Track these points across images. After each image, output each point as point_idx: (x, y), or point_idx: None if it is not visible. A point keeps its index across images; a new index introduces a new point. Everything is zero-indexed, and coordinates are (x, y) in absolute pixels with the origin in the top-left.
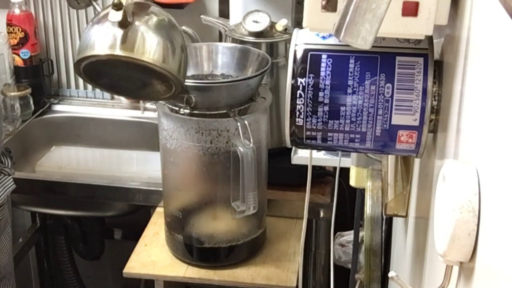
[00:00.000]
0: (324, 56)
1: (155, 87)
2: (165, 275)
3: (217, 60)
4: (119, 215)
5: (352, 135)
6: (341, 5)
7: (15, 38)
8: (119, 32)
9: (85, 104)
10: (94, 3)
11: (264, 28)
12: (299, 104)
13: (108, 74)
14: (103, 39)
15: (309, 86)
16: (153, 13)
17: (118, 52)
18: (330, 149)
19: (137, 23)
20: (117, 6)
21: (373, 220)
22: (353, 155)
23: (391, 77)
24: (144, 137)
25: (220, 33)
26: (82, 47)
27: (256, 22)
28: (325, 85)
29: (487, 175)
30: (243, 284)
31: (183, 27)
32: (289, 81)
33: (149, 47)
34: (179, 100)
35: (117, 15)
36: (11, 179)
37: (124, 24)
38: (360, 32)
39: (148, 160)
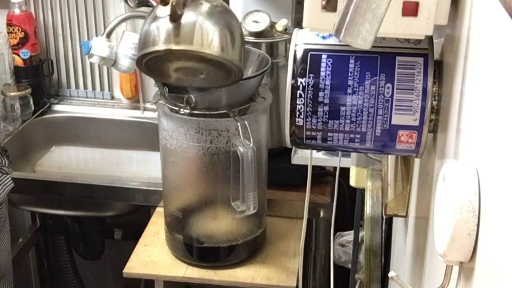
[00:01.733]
0: (324, 56)
1: (214, 74)
2: (165, 275)
3: None
4: (119, 215)
5: (352, 135)
6: (341, 5)
7: (15, 38)
8: (173, 26)
9: (85, 104)
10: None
11: (264, 28)
12: (299, 104)
13: (168, 66)
14: (160, 35)
15: (309, 86)
16: (204, 0)
17: (174, 46)
18: (330, 149)
19: (190, 13)
20: (164, 1)
21: (373, 220)
22: (353, 155)
23: (391, 77)
24: (144, 137)
25: None
26: (141, 44)
27: (256, 22)
28: (325, 85)
29: (487, 175)
30: (243, 284)
31: None
32: (289, 81)
33: (206, 37)
34: (179, 100)
35: (165, 10)
36: (10, 178)
37: (175, 17)
38: (360, 32)
39: (148, 160)
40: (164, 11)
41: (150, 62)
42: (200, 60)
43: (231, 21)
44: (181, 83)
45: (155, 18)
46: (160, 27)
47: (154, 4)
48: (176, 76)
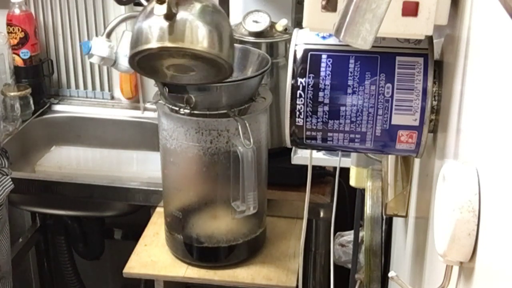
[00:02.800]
0: (324, 56)
1: (205, 71)
2: (165, 275)
3: None
4: (119, 215)
5: (352, 135)
6: (341, 5)
7: (15, 38)
8: (166, 24)
9: (85, 104)
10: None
11: (264, 28)
12: (299, 104)
13: (160, 64)
14: (153, 33)
15: (309, 86)
16: (196, 1)
17: (168, 43)
18: (330, 149)
19: (182, 12)
20: (161, 0)
21: (373, 220)
22: (353, 155)
23: (391, 77)
24: (144, 137)
25: None
26: (134, 42)
27: (256, 22)
28: (325, 85)
29: (487, 175)
30: (243, 284)
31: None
32: (289, 81)
33: (197, 35)
34: (179, 100)
35: (162, 9)
36: (9, 179)
37: (169, 16)
38: (360, 32)
39: (148, 160)
40: (160, 10)
41: (142, 60)
42: (192, 57)
43: (222, 21)
44: (174, 80)
45: (147, 16)
46: (153, 25)
47: (145, 3)
48: (168, 74)
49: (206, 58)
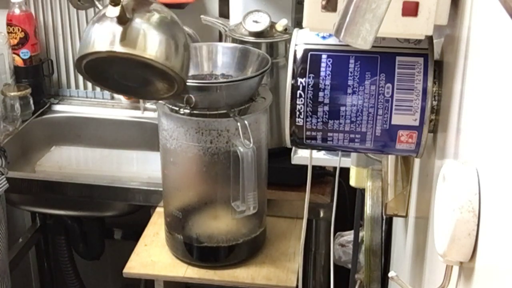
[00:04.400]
0: (324, 56)
1: (156, 85)
2: (165, 275)
3: (217, 60)
4: (119, 215)
5: (352, 135)
6: (341, 5)
7: (15, 38)
8: (119, 28)
9: (85, 104)
10: (96, 3)
11: (264, 28)
12: (299, 104)
13: (110, 72)
14: (103, 36)
15: (309, 86)
16: (154, 10)
17: (118, 48)
18: (330, 149)
19: (137, 19)
20: (115, 2)
21: (373, 220)
22: (353, 155)
23: (391, 77)
24: (144, 137)
25: (220, 33)
26: (82, 45)
27: (256, 22)
28: (325, 85)
29: (487, 175)
30: (243, 284)
31: (183, 27)
32: (289, 81)
33: (151, 43)
34: (179, 100)
35: (115, 11)
36: (4, 178)
37: (122, 20)
38: (360, 32)
39: (148, 160)
40: (112, 12)
41: (90, 65)
42: (143, 67)
43: (177, 32)
44: (123, 92)
45: (100, 19)
46: (105, 29)
47: (100, 7)
48: (118, 84)
49: (158, 69)
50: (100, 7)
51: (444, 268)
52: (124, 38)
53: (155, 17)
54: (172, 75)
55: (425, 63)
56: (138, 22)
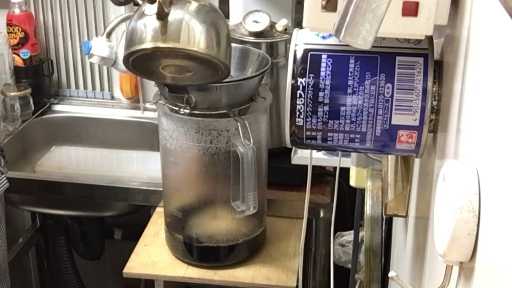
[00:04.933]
0: (324, 56)
1: (200, 73)
2: (165, 275)
3: None
4: (119, 215)
5: (352, 135)
6: (341, 5)
7: (15, 38)
8: (160, 24)
9: (85, 104)
10: None
11: (264, 28)
12: (299, 104)
13: (156, 64)
14: (147, 33)
15: (309, 86)
16: (192, 0)
17: (162, 43)
18: (330, 149)
19: (177, 11)
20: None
21: (373, 220)
22: (353, 155)
23: (391, 77)
24: (144, 137)
25: None
26: (128, 42)
27: (256, 22)
28: (325, 85)
29: (487, 175)
30: (243, 284)
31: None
32: (289, 81)
33: (193, 34)
34: (179, 100)
35: (153, 8)
36: (5, 178)
37: (162, 15)
38: (360, 32)
39: (148, 160)
40: (151, 9)
41: (137, 61)
42: (187, 58)
43: (218, 20)
44: (171, 81)
45: (141, 16)
46: (147, 25)
47: (140, 2)
48: (164, 74)
49: (202, 58)
50: (140, 2)
51: (444, 268)
52: (165, 33)
53: (194, 7)
54: (217, 63)
55: (425, 63)
56: (178, 15)
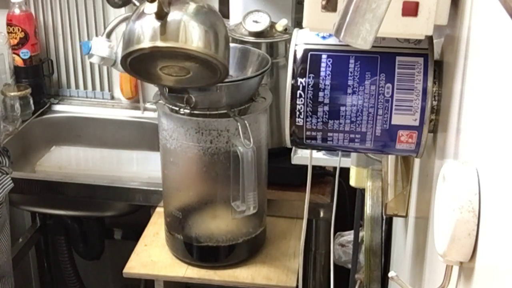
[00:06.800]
0: (324, 56)
1: (199, 74)
2: (165, 275)
3: None
4: (119, 215)
5: (352, 135)
6: (341, 5)
7: (15, 38)
8: (159, 23)
9: (85, 104)
10: (133, 0)
11: (264, 28)
12: (299, 104)
13: (154, 66)
14: (145, 33)
15: (309, 86)
16: (191, 0)
17: (160, 43)
18: (330, 149)
19: (176, 12)
20: None
21: (373, 220)
22: (353, 155)
23: (391, 77)
24: (144, 137)
25: None
26: (126, 43)
27: (256, 22)
28: (325, 85)
29: (487, 175)
30: (243, 284)
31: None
32: (289, 81)
33: (192, 34)
34: (179, 100)
35: (152, 7)
36: (9, 178)
37: (161, 15)
38: (360, 32)
39: (148, 160)
40: (150, 8)
41: (135, 62)
42: (186, 58)
43: (216, 21)
44: (167, 83)
45: (139, 17)
46: (145, 25)
47: (137, 4)
48: (162, 76)
49: (200, 59)
50: (137, 4)
51: (444, 268)
52: (164, 32)
53: (192, 8)
54: (216, 63)
55: (425, 63)
56: (177, 15)
